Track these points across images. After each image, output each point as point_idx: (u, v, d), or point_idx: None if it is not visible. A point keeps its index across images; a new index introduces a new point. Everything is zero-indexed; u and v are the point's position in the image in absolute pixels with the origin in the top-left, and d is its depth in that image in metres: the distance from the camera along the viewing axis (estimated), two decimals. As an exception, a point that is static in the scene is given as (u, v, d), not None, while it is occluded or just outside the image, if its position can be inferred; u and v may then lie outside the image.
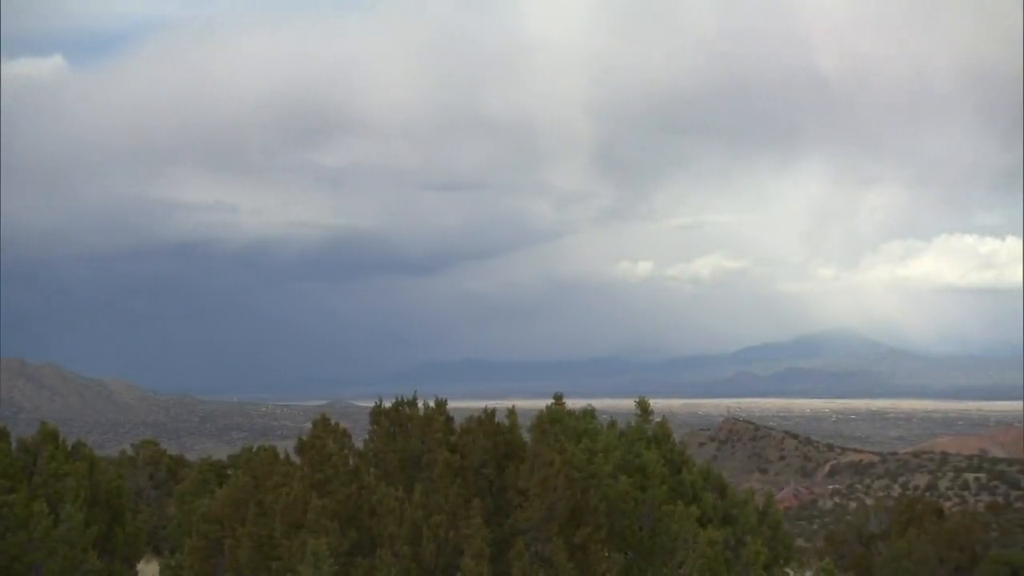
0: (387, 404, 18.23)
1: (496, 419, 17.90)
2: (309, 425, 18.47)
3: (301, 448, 17.77)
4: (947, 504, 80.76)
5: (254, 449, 31.04)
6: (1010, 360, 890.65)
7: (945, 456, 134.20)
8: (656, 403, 23.75)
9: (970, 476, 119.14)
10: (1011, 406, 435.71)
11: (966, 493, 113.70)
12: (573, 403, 22.02)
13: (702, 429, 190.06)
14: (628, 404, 23.58)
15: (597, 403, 25.87)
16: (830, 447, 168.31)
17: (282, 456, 18.59)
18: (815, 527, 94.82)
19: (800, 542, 60.02)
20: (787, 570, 22.15)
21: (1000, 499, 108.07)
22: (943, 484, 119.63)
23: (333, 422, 18.21)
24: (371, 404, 18.46)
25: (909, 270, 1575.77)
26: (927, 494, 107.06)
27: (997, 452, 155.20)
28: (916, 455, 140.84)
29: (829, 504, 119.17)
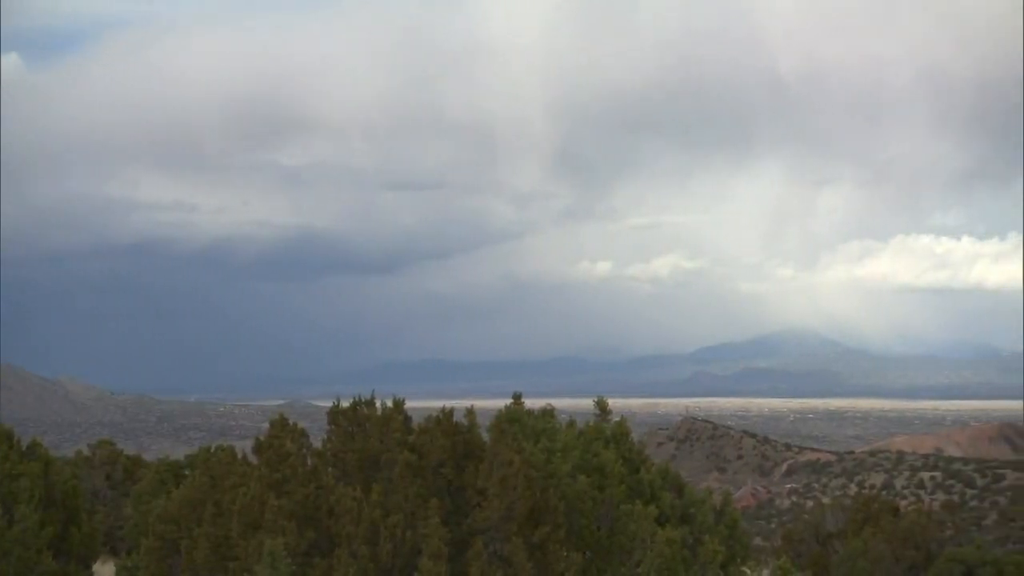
0: (345, 404, 18.19)
1: (455, 419, 17.90)
2: (267, 425, 18.41)
3: (259, 448, 17.71)
4: (903, 503, 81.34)
5: (212, 449, 30.86)
6: (965, 360, 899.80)
7: (901, 455, 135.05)
8: (615, 403, 23.82)
9: (926, 475, 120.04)
10: (966, 405, 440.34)
11: (922, 492, 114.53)
12: (532, 403, 22.05)
13: (661, 428, 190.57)
14: (587, 404, 23.65)
15: (556, 403, 25.89)
16: (788, 446, 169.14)
17: (240, 456, 18.52)
18: (772, 526, 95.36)
19: (757, 541, 60.31)
20: (744, 569, 22.26)
21: (955, 498, 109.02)
22: (899, 483, 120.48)
23: (291, 422, 18.17)
24: (329, 404, 18.42)
25: (866, 270, 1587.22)
26: (883, 493, 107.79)
27: (952, 451, 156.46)
28: (872, 454, 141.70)
29: (786, 503, 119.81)
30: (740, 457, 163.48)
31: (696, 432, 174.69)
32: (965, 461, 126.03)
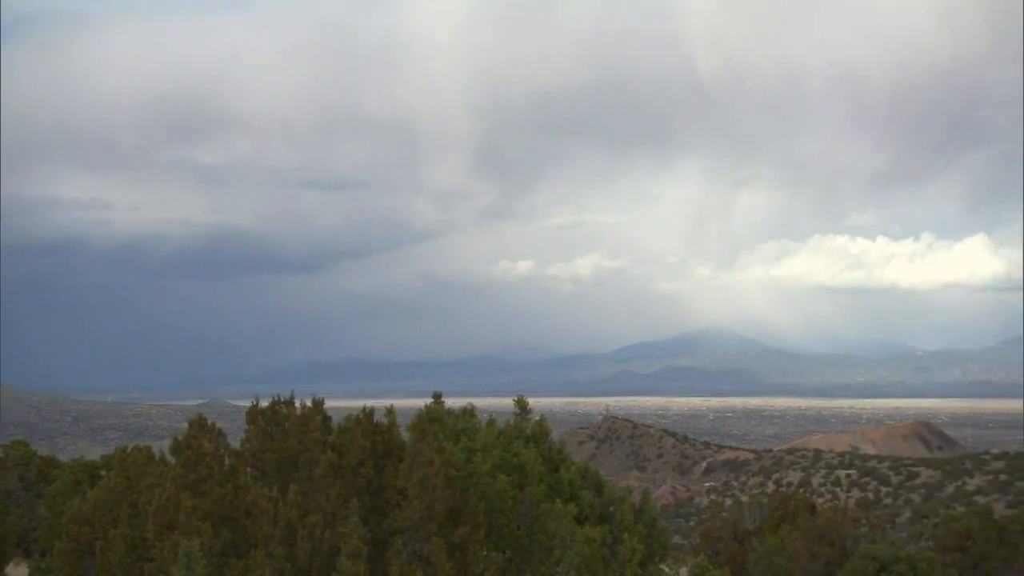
0: (264, 404, 18.07)
1: (375, 418, 17.85)
2: (185, 425, 18.22)
3: (176, 448, 17.53)
4: (819, 500, 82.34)
5: (128, 450, 30.49)
6: (880, 359, 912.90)
7: (818, 453, 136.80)
8: (536, 402, 23.90)
9: (842, 473, 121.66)
10: (881, 404, 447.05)
11: (838, 489, 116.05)
12: (453, 402, 22.05)
13: (581, 428, 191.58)
14: (508, 403, 23.67)
15: (478, 402, 25.89)
16: (707, 445, 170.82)
17: (157, 456, 18.33)
18: (691, 524, 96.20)
19: (677, 539, 60.84)
20: (663, 567, 22.42)
21: (870, 495, 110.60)
22: (816, 480, 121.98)
23: (209, 422, 18.00)
24: (249, 404, 18.29)
25: (783, 270, 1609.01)
26: (800, 491, 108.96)
27: (867, 449, 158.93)
28: (790, 452, 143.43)
29: (705, 501, 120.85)
30: (660, 456, 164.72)
31: (616, 431, 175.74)
32: (880, 459, 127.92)
